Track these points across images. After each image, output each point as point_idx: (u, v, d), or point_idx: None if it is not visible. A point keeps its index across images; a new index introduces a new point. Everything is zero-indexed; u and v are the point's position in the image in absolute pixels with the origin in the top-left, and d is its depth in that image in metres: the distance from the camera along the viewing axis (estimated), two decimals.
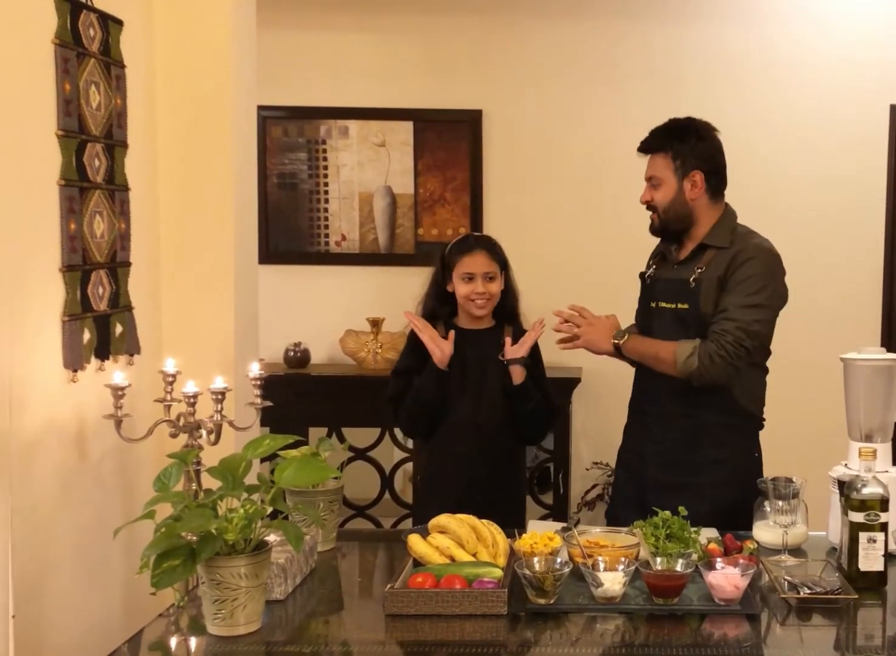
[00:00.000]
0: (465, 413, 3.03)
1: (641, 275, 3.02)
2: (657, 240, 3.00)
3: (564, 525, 2.63)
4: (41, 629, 2.33)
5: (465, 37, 4.66)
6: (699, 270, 2.81)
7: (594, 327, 2.91)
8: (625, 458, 3.03)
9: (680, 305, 2.82)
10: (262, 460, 2.84)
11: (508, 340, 3.01)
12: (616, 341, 2.87)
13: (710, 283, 2.78)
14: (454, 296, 3.06)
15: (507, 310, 3.12)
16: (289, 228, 4.77)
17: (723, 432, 2.84)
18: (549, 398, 3.14)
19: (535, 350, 3.12)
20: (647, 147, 2.89)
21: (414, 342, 3.07)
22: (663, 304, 2.87)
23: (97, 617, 2.56)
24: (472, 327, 3.08)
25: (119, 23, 2.65)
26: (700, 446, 2.83)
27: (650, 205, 2.89)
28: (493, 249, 3.06)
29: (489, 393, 3.03)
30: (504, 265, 3.08)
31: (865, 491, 2.28)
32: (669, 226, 2.88)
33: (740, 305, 2.74)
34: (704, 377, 2.74)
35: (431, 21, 4.66)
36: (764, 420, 2.94)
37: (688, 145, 2.84)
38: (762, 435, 2.95)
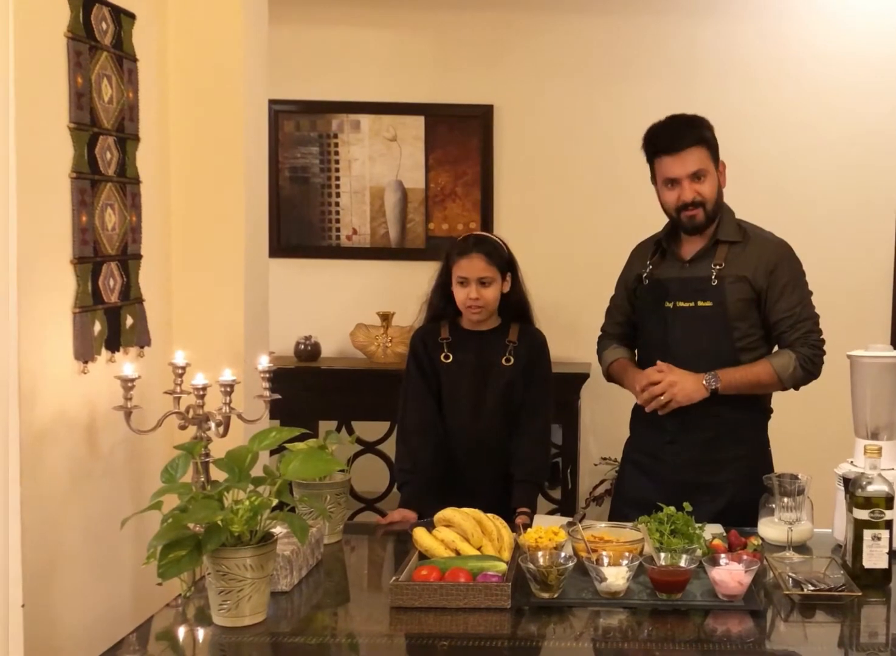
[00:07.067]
0: (462, 419, 2.97)
1: (638, 277, 2.95)
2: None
3: (570, 519, 2.64)
4: (50, 618, 2.35)
5: (476, 32, 4.67)
6: (717, 267, 2.79)
7: (681, 383, 2.76)
8: (634, 457, 2.99)
9: (701, 303, 2.80)
10: (271, 453, 2.86)
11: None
12: (713, 386, 2.74)
13: (735, 280, 2.78)
14: None
15: (513, 311, 3.01)
16: (300, 222, 4.79)
17: (741, 428, 2.85)
18: (546, 436, 3.06)
19: (545, 364, 3.04)
20: (683, 143, 2.76)
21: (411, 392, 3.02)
22: (681, 304, 2.82)
23: (106, 606, 2.58)
24: (475, 328, 2.99)
25: (131, 16, 2.67)
26: (720, 444, 2.83)
27: (692, 203, 2.77)
28: (492, 253, 2.91)
29: (490, 399, 2.95)
30: (508, 267, 2.96)
31: (871, 488, 2.28)
32: (713, 219, 2.82)
33: (802, 303, 2.83)
34: (812, 379, 2.86)
35: (443, 16, 4.67)
36: (771, 409, 2.94)
37: (712, 135, 2.83)
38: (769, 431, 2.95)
